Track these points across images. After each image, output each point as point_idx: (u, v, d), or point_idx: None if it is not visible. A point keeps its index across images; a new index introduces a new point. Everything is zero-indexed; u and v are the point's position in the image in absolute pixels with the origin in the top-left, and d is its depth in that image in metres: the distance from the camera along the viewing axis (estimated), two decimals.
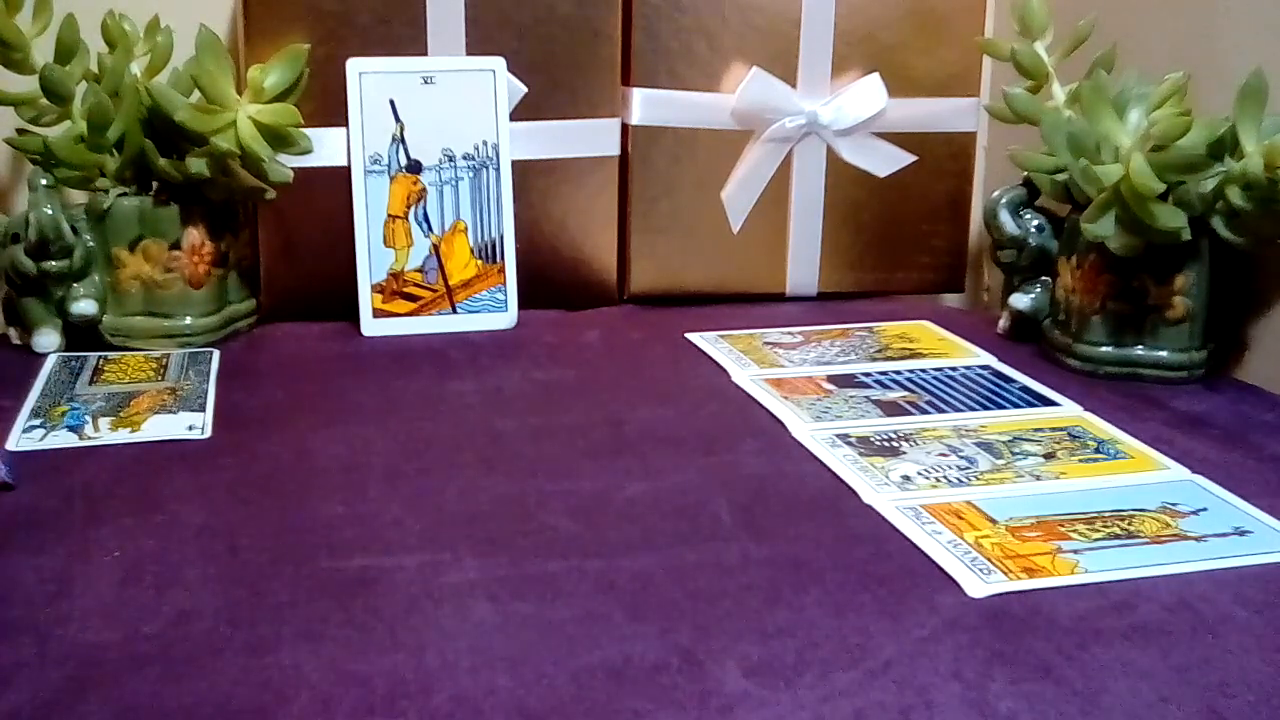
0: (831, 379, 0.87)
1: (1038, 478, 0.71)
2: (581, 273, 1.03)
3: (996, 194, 0.96)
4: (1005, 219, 0.95)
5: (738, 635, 0.54)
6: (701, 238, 1.05)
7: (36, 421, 0.77)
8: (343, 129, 0.96)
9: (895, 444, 0.75)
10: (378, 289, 0.96)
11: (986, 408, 0.82)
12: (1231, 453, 0.75)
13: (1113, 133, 0.85)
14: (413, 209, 0.97)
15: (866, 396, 0.83)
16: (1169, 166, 0.81)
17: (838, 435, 0.77)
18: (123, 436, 0.75)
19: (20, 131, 0.91)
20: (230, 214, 0.94)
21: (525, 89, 0.99)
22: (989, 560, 0.61)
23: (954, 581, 0.59)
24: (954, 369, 0.90)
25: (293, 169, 0.91)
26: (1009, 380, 0.87)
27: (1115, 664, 0.53)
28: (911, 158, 1.07)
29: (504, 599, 0.57)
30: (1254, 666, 0.53)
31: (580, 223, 1.03)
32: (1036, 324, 0.95)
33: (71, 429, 0.76)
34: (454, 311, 0.98)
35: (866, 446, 0.75)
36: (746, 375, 0.87)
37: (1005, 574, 0.60)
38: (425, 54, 0.97)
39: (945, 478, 0.71)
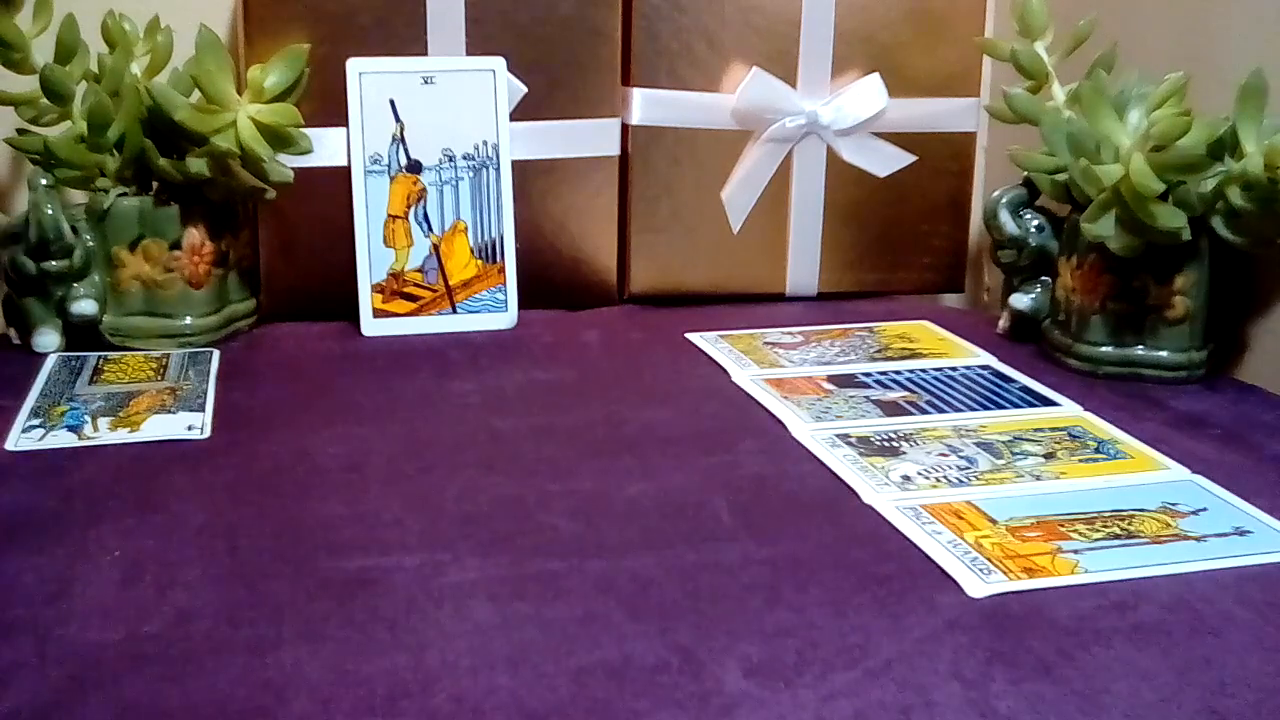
0: (831, 379, 0.87)
1: (1038, 478, 0.71)
2: (581, 273, 1.03)
3: (996, 194, 0.96)
4: (1005, 219, 0.95)
5: (738, 635, 0.54)
6: (701, 238, 1.05)
7: (36, 421, 0.77)
8: (343, 129, 0.96)
9: (895, 444, 0.75)
10: (378, 289, 0.96)
11: (986, 408, 0.82)
12: (1231, 453, 0.75)
13: (1113, 133, 0.85)
14: (413, 209, 0.97)
15: (866, 396, 0.83)
16: (1169, 166, 0.81)
17: (838, 435, 0.77)
18: (122, 436, 0.75)
19: (20, 131, 0.91)
20: (230, 214, 0.94)
21: (525, 89, 0.99)
22: (989, 560, 0.61)
23: (954, 581, 0.59)
24: (954, 369, 0.90)
25: (293, 169, 0.91)
26: (1009, 380, 0.87)
27: (1115, 664, 0.53)
28: (911, 158, 1.07)
29: (504, 599, 0.57)
30: (1254, 666, 0.53)
31: (580, 223, 1.03)
32: (1036, 324, 0.95)
33: (71, 429, 0.76)
34: (454, 311, 0.98)
35: (866, 446, 0.75)
36: (746, 375, 0.87)
37: (1005, 574, 0.60)
38: (425, 54, 0.97)
39: (945, 478, 0.71)
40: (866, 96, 1.04)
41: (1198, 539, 0.64)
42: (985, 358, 0.92)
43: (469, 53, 0.98)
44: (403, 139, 0.96)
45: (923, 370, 0.89)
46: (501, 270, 0.99)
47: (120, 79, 0.89)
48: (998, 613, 0.56)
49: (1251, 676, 0.52)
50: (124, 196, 0.90)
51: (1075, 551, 0.62)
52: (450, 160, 0.97)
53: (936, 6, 1.04)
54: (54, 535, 0.63)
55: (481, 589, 0.58)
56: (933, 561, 0.61)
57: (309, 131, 0.91)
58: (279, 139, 0.89)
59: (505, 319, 0.99)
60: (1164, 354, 0.87)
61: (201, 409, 0.79)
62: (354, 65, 0.95)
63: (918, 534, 0.64)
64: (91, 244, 0.90)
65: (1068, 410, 0.82)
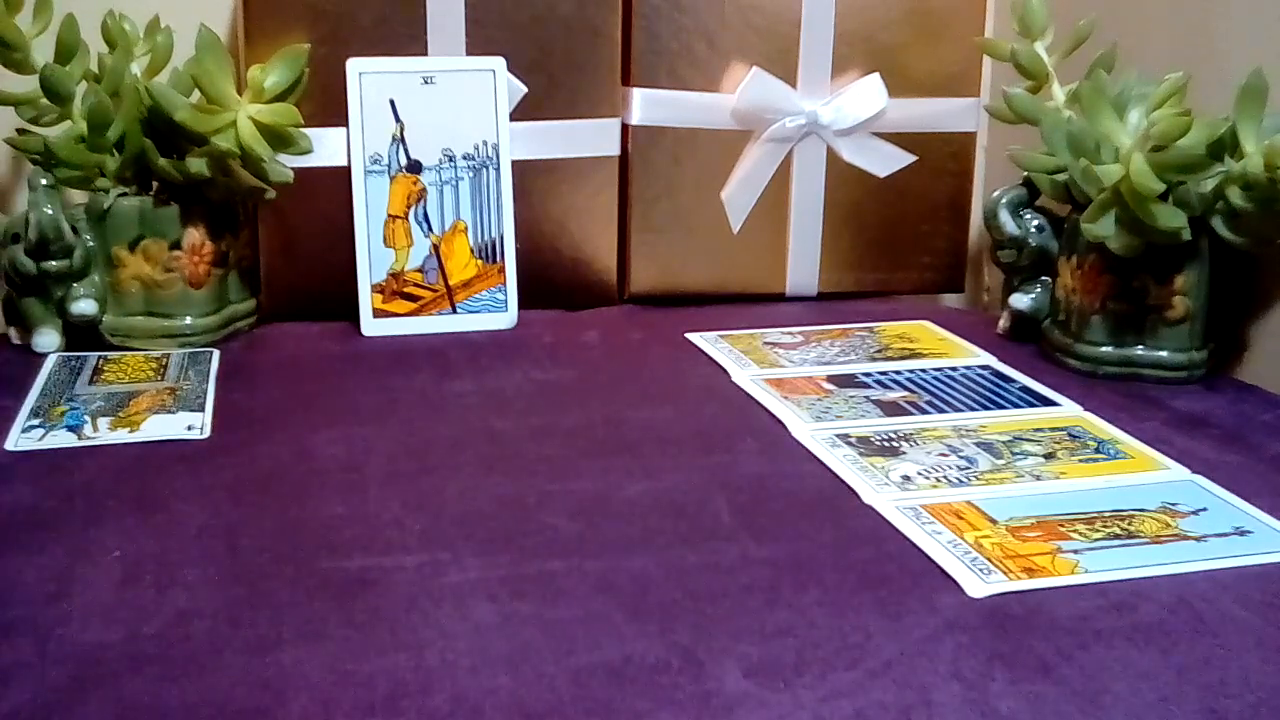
0: (831, 379, 0.87)
1: (1038, 478, 0.71)
2: (581, 273, 1.03)
3: (996, 194, 0.96)
4: (1005, 219, 0.95)
5: (738, 635, 0.54)
6: (701, 238, 1.05)
7: (36, 421, 0.77)
8: (343, 129, 0.96)
9: (895, 444, 0.75)
10: (378, 289, 0.96)
11: (986, 408, 0.82)
12: (1231, 453, 0.75)
13: (1113, 133, 0.85)
14: (413, 209, 0.97)
15: (866, 396, 0.83)
16: (1169, 166, 0.81)
17: (838, 435, 0.77)
18: (122, 436, 0.75)
19: (20, 131, 0.91)
20: (230, 214, 0.94)
21: (525, 89, 0.99)
22: (989, 560, 0.61)
23: (954, 581, 0.59)
24: (954, 369, 0.90)
25: (293, 169, 0.91)
26: (1009, 380, 0.87)
27: (1115, 664, 0.53)
28: (911, 158, 1.07)
29: (504, 599, 0.57)
30: (1254, 666, 0.53)
31: (580, 223, 1.03)
32: (1036, 324, 0.95)
33: (71, 429, 0.76)
34: (454, 311, 0.98)
35: (866, 446, 0.75)
36: (746, 375, 0.87)
37: (1005, 574, 0.60)
38: (425, 54, 0.97)
39: (945, 478, 0.71)
40: (866, 96, 1.04)
41: (1198, 539, 0.64)
42: (985, 358, 0.92)
43: (469, 53, 0.98)
44: (403, 139, 0.96)
45: (923, 370, 0.89)
46: (501, 270, 0.99)
47: (120, 79, 0.89)
48: (998, 613, 0.56)
49: (1251, 676, 0.52)
50: (124, 196, 0.90)
51: (1075, 551, 0.62)
52: (450, 160, 0.97)
53: (936, 6, 1.04)
54: (54, 535, 0.63)
55: (481, 589, 0.58)
56: (933, 561, 0.61)
57: (309, 131, 0.91)
58: (279, 139, 0.89)
59: (505, 319, 0.99)
60: (1164, 354, 0.87)
61: (201, 409, 0.79)
62: (354, 65, 0.95)
63: (918, 534, 0.64)
64: (91, 244, 0.90)
65: (1068, 410, 0.82)
